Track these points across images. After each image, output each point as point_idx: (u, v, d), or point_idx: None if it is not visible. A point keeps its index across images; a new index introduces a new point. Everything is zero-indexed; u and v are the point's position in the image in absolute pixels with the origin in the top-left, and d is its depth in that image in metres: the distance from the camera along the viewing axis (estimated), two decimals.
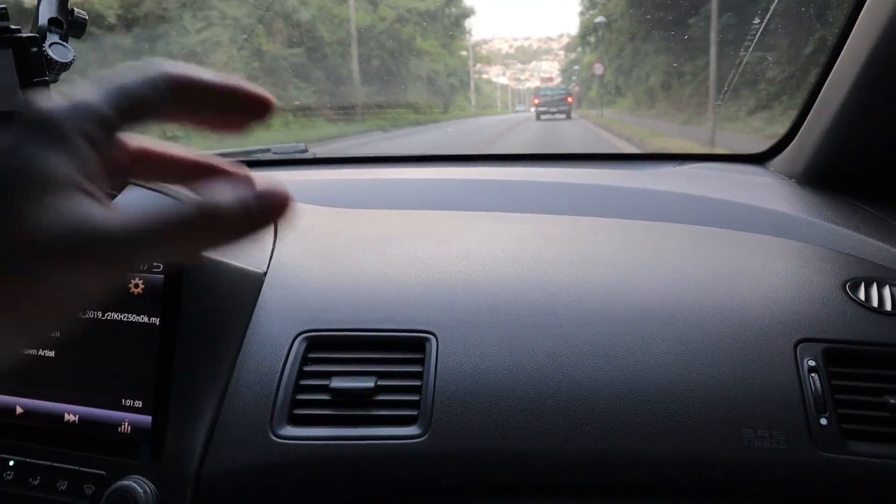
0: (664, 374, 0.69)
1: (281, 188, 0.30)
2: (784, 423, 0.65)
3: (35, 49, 0.74)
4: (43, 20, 0.80)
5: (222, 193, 0.29)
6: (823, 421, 0.65)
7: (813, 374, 0.67)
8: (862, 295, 0.75)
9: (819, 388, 0.67)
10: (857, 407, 0.66)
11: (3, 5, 0.73)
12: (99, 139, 0.30)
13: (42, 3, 0.81)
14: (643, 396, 0.68)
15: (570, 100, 23.89)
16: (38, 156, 0.28)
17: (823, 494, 0.65)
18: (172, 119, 0.34)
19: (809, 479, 0.65)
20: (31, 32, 0.74)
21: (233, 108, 0.33)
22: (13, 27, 0.72)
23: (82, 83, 0.32)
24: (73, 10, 0.84)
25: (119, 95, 0.31)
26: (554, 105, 22.84)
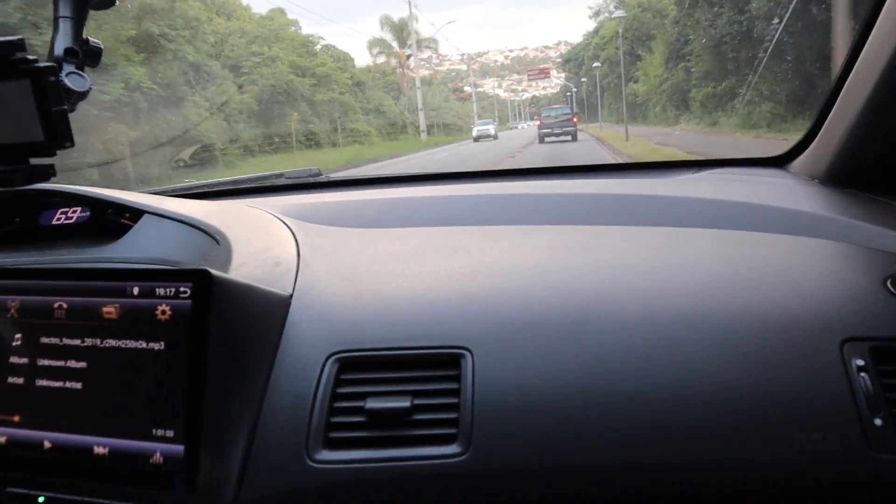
0: (708, 380, 0.67)
1: None
2: (836, 426, 0.63)
3: (52, 78, 0.73)
4: (59, 50, 0.80)
5: None
6: (878, 421, 0.63)
7: (863, 374, 0.65)
8: None
9: (870, 388, 0.64)
10: None
11: (21, 37, 0.72)
12: None
13: (58, 34, 0.81)
14: (688, 404, 0.65)
15: (575, 120, 23.58)
16: None
17: (881, 497, 0.63)
18: None
19: (866, 482, 0.62)
20: (47, 62, 0.74)
21: None
22: (30, 57, 0.72)
23: None
24: (87, 40, 0.83)
25: None
26: (559, 126, 22.38)
